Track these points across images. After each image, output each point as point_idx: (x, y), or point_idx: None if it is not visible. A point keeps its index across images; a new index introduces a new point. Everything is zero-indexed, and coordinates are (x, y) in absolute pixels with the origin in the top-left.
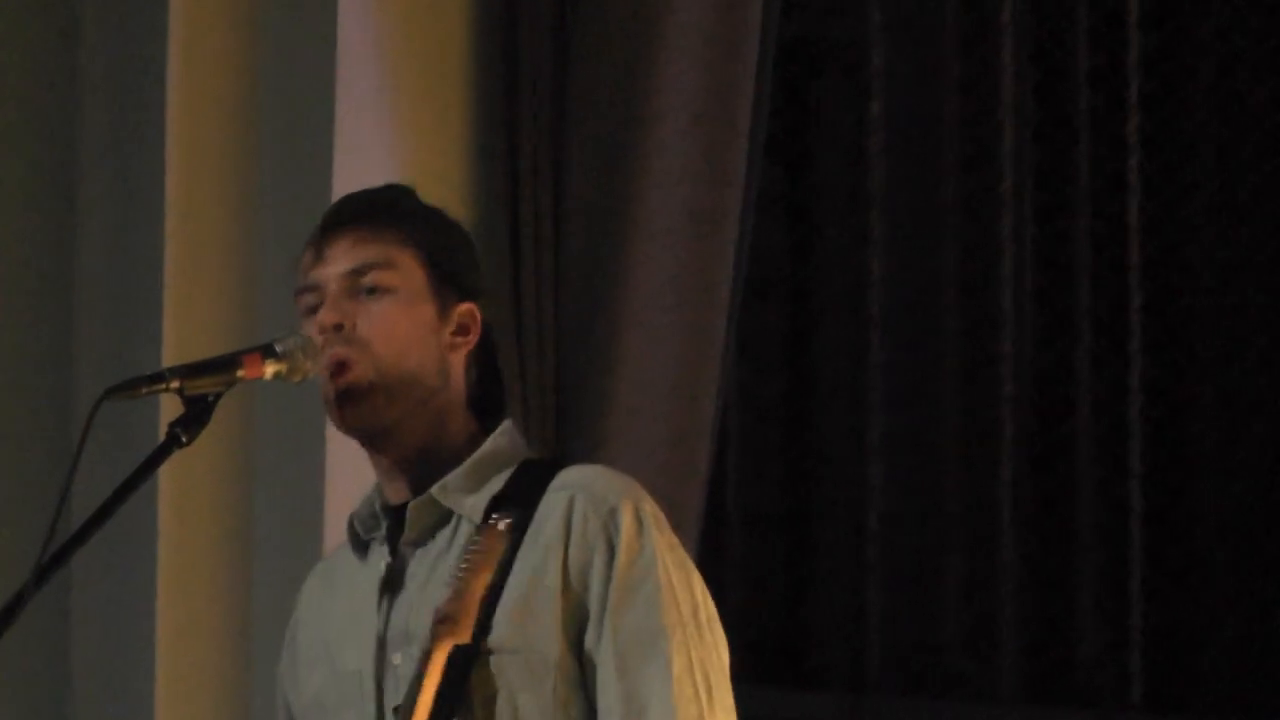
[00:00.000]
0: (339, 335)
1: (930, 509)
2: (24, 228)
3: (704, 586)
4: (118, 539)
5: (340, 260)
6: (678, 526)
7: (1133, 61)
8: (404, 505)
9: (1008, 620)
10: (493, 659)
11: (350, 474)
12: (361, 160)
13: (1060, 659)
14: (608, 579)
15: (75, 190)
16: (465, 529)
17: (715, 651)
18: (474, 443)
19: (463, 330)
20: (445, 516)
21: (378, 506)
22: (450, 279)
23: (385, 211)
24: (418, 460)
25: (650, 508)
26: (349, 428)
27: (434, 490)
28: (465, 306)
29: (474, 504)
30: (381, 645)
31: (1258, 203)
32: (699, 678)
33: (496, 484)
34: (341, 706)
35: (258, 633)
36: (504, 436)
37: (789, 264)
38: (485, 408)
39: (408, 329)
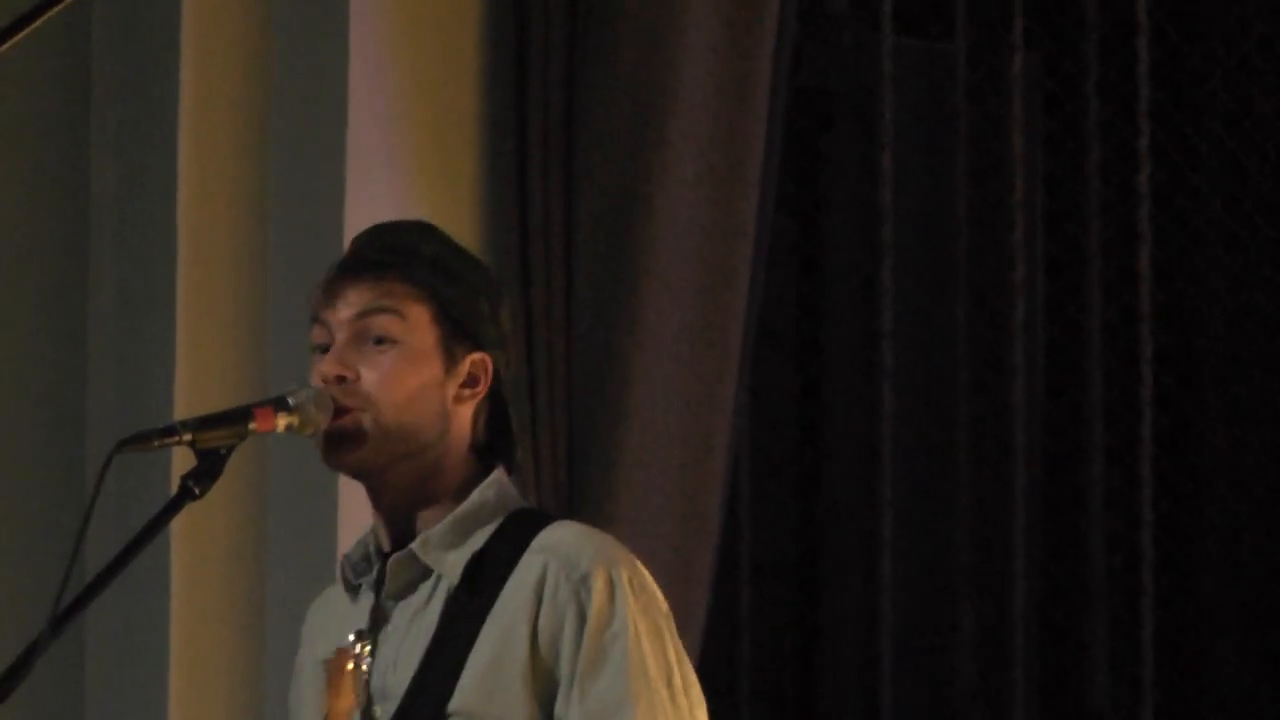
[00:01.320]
0: (340, 386)
1: (942, 560)
2: (35, 276)
3: (681, 650)
4: (131, 589)
5: (351, 305)
6: (689, 578)
7: (1143, 111)
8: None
9: (1020, 671)
10: None
11: (364, 522)
12: (372, 218)
13: (1073, 710)
14: (578, 646)
15: (86, 240)
16: (445, 584)
17: (689, 716)
18: (468, 492)
19: (472, 382)
20: (427, 570)
21: (371, 549)
22: (462, 331)
23: (402, 261)
24: (408, 509)
25: (627, 572)
26: (334, 468)
27: (415, 545)
28: (476, 357)
29: (454, 561)
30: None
31: (1268, 252)
32: None
33: (479, 539)
34: None
35: (269, 674)
36: (491, 489)
37: (800, 315)
38: (491, 453)
39: (410, 384)
